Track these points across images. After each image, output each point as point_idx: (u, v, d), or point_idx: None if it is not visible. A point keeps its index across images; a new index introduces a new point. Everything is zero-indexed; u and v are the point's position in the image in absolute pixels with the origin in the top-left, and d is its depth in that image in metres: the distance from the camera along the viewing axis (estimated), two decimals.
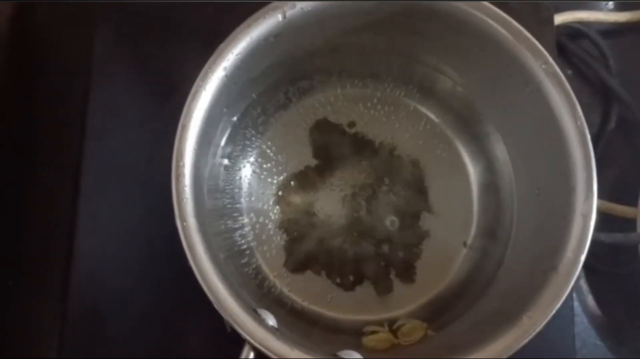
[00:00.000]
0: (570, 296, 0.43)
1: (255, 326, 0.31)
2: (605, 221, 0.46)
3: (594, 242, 0.34)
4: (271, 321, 0.34)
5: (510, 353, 0.32)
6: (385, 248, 0.43)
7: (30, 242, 0.47)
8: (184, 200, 0.33)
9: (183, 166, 0.33)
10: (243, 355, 0.32)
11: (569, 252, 0.34)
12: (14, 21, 0.50)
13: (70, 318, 0.41)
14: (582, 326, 0.48)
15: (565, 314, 0.42)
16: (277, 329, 0.34)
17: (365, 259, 0.42)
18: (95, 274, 0.42)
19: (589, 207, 0.34)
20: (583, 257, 0.34)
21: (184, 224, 0.32)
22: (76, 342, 0.41)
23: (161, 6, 0.47)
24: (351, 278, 0.42)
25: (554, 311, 0.33)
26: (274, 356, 0.31)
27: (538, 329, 0.32)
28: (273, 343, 0.31)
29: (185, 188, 0.33)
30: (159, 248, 0.42)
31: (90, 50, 0.46)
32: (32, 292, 0.46)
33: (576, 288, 0.49)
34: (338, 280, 0.42)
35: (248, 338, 0.31)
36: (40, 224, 0.47)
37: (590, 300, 0.49)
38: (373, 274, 0.42)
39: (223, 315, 0.31)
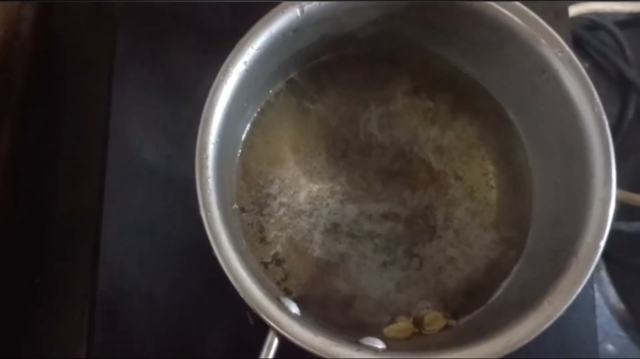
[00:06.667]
0: (591, 286, 0.42)
1: (279, 313, 0.32)
2: (626, 211, 0.46)
3: (614, 231, 0.34)
4: (294, 308, 0.35)
5: (532, 337, 0.32)
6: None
7: (57, 241, 0.48)
8: (208, 191, 0.33)
9: (206, 158, 0.34)
10: (267, 341, 0.32)
11: (588, 238, 0.34)
12: (36, 27, 0.51)
13: (97, 316, 0.42)
14: (604, 317, 0.48)
15: (586, 305, 0.42)
16: (300, 317, 0.34)
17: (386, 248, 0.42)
18: (120, 271, 0.42)
19: (607, 192, 0.34)
20: (603, 243, 0.34)
21: (208, 214, 0.33)
22: (103, 340, 0.41)
23: (180, 8, 0.48)
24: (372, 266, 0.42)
25: (574, 296, 0.33)
26: (298, 342, 0.31)
27: (559, 313, 0.33)
28: (297, 329, 0.32)
29: (209, 179, 0.34)
30: (182, 244, 0.43)
31: (112, 52, 0.47)
32: (59, 290, 0.47)
33: (597, 279, 0.49)
34: (357, 269, 0.42)
35: (273, 324, 0.32)
36: (67, 223, 0.48)
37: (612, 291, 0.49)
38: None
39: (248, 303, 0.32)
